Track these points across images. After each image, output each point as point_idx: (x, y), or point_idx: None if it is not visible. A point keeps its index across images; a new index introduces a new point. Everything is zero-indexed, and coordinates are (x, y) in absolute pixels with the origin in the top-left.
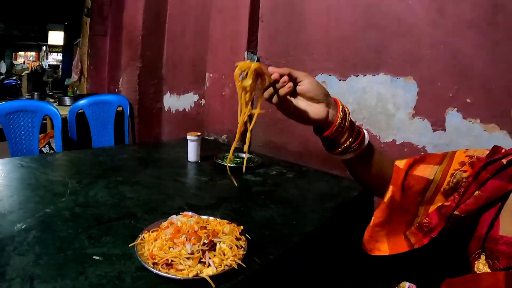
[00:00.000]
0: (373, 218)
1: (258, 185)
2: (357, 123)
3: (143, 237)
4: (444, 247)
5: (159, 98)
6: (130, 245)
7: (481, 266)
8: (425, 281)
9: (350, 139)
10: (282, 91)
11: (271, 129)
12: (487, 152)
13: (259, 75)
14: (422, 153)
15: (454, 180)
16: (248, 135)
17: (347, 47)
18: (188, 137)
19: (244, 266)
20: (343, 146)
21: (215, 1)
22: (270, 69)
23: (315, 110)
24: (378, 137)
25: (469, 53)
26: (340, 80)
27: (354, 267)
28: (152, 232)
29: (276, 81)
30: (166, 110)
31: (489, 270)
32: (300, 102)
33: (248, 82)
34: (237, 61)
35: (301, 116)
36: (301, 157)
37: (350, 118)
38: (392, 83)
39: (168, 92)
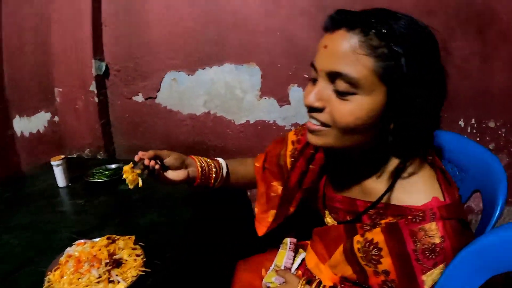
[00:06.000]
0: (255, 210)
1: (135, 192)
2: (211, 112)
3: (49, 279)
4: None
5: (9, 124)
6: None
7: (329, 219)
8: (302, 232)
9: (216, 180)
10: (155, 171)
11: (132, 133)
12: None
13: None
14: (274, 127)
15: (292, 159)
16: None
17: (190, 43)
18: (52, 162)
19: (149, 270)
20: (212, 186)
21: (53, 10)
22: (140, 154)
23: (179, 176)
24: (233, 121)
25: (303, 36)
26: (189, 75)
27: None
28: (55, 271)
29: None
30: (18, 135)
31: (335, 222)
32: (169, 173)
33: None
34: (85, 71)
35: (171, 182)
36: None
37: (215, 163)
38: (237, 70)
39: (17, 115)
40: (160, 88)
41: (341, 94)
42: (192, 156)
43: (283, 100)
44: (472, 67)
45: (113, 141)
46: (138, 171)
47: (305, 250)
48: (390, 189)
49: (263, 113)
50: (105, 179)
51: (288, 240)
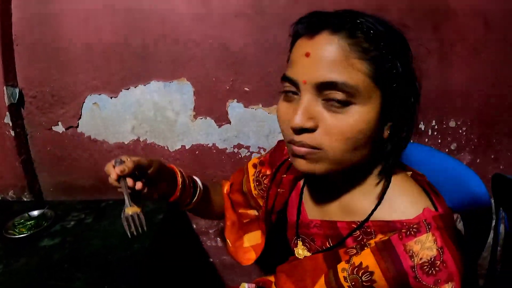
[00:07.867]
0: (227, 240)
1: (57, 250)
2: (141, 139)
3: None
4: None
5: None
6: None
7: (300, 251)
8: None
9: (192, 197)
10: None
11: (57, 168)
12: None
13: None
14: (214, 151)
15: (256, 183)
16: None
17: (112, 59)
18: None
19: None
20: (187, 203)
21: None
22: (118, 170)
23: (160, 189)
24: (166, 147)
25: (240, 42)
26: (111, 98)
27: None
28: None
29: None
30: None
31: (309, 254)
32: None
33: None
34: None
35: (149, 197)
36: (96, 190)
37: (191, 178)
38: (166, 88)
39: None
40: (81, 115)
41: (335, 107)
42: (171, 165)
43: (221, 119)
44: (429, 66)
45: (38, 179)
46: (138, 209)
47: None
48: (379, 204)
49: (199, 136)
50: (25, 233)
51: (246, 286)
